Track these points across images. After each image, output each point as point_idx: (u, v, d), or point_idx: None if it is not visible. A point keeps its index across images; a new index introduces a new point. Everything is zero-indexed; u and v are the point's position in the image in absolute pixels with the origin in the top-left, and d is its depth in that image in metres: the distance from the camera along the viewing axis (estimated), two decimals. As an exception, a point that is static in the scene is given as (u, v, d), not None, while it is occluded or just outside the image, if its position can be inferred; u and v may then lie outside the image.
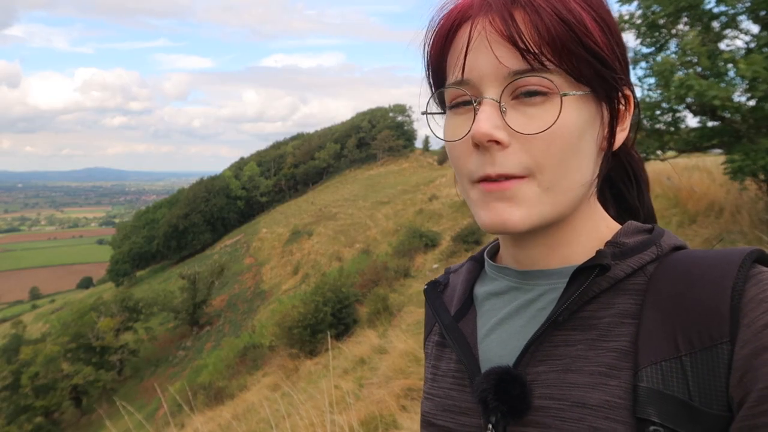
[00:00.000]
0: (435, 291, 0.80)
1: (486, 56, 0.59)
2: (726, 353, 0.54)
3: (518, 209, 0.60)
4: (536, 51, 0.57)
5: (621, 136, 0.66)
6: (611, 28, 0.63)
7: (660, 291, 0.59)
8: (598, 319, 0.62)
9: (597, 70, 0.60)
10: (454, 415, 0.69)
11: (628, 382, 0.57)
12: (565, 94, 0.59)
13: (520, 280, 0.69)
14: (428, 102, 0.68)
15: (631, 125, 0.68)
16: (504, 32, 0.58)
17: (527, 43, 0.57)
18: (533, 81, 0.58)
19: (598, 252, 0.62)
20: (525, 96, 0.59)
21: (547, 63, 0.58)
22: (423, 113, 0.68)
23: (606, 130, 0.64)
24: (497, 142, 0.59)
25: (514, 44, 0.57)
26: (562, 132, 0.59)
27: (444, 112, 0.67)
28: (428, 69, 0.68)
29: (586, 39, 0.59)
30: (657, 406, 0.55)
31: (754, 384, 0.52)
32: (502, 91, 0.59)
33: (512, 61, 0.58)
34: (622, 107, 0.65)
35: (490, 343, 0.69)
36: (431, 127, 0.67)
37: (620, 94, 0.64)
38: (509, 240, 0.70)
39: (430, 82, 0.69)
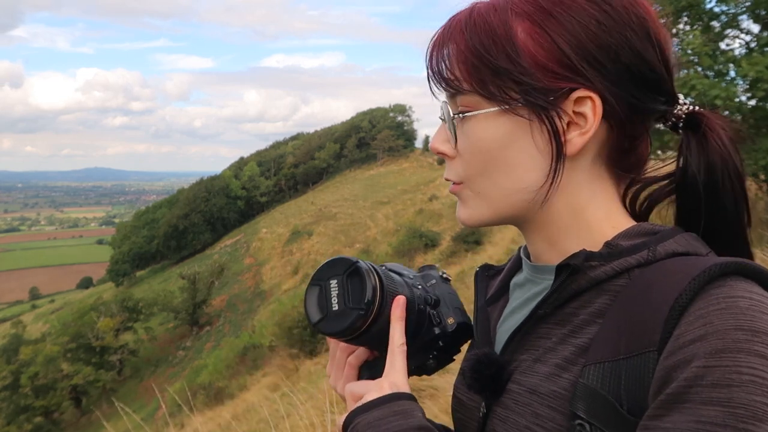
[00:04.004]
0: (483, 274, 0.86)
1: None
2: (652, 363, 0.54)
3: (465, 209, 0.72)
4: (449, 77, 0.66)
5: (579, 141, 0.64)
6: (566, 27, 0.62)
7: (627, 295, 0.61)
8: (576, 316, 0.64)
9: (503, 87, 0.63)
10: (467, 390, 0.76)
11: (576, 376, 0.60)
12: (454, 117, 0.67)
13: (533, 273, 0.74)
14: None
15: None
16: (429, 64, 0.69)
17: (442, 72, 0.67)
18: (451, 103, 0.69)
19: (579, 252, 0.64)
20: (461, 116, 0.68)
21: (464, 85, 0.66)
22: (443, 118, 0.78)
23: (551, 137, 0.64)
24: (446, 154, 0.71)
25: (433, 74, 0.68)
26: (480, 146, 0.66)
27: None
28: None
29: (493, 58, 0.63)
30: (587, 402, 0.57)
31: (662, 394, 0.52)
32: (448, 111, 0.68)
33: (439, 87, 0.69)
34: (563, 115, 0.63)
35: (501, 329, 0.76)
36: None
37: (549, 104, 0.63)
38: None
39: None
